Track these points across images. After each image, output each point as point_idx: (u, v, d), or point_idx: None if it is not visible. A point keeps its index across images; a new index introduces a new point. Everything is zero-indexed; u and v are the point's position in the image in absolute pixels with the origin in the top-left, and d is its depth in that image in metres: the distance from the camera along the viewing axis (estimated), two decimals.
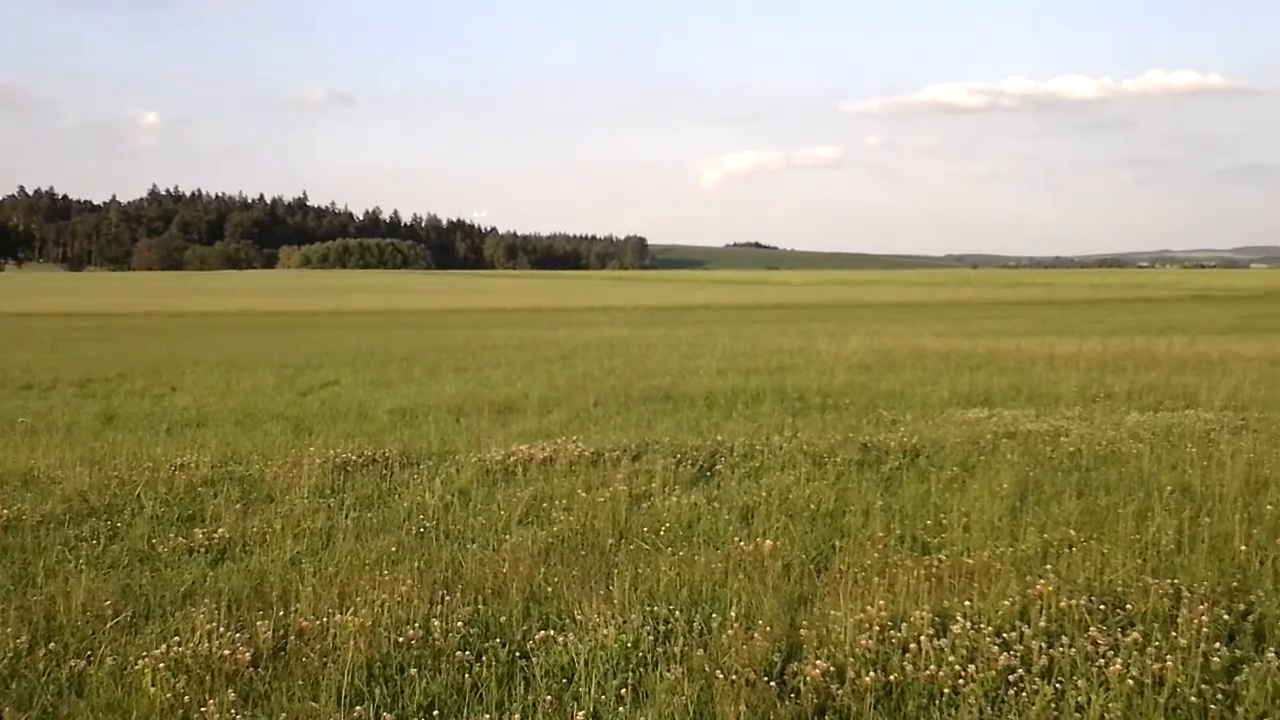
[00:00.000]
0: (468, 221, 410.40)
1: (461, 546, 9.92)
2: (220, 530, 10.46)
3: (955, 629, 7.27)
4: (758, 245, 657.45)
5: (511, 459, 13.53)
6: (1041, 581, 8.15)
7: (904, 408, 18.88)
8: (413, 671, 6.98)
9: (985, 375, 24.36)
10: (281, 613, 8.04)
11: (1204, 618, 7.39)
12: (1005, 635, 7.24)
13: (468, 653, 7.26)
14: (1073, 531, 9.81)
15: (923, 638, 7.13)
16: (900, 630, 7.34)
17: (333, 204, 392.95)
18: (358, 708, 6.47)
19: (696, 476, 12.79)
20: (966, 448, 14.13)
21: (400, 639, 7.45)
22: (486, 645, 7.37)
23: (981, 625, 7.38)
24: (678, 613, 7.86)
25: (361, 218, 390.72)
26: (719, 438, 15.03)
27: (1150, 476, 12.24)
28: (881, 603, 7.78)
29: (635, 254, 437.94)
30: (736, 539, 9.85)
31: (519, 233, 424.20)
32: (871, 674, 6.70)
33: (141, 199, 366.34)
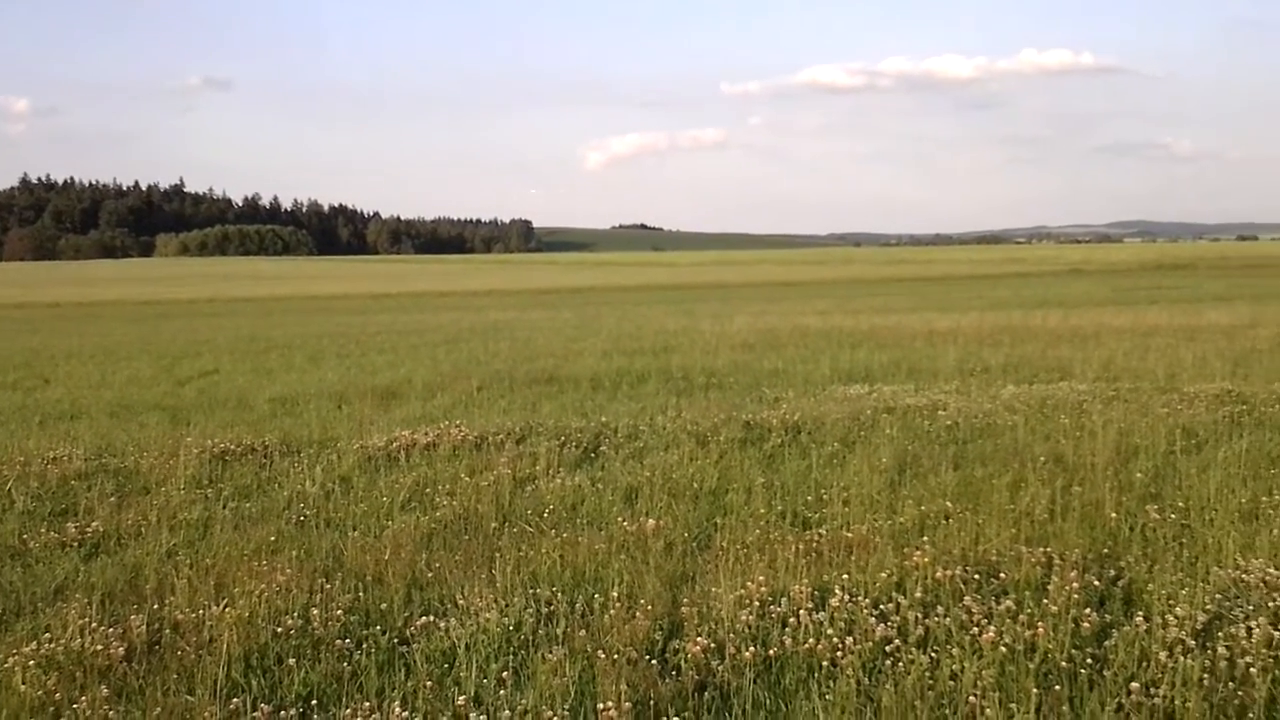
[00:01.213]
0: (350, 206, 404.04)
1: (342, 534, 9.82)
2: (94, 524, 10.23)
3: (834, 602, 7.36)
4: (643, 227, 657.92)
5: (394, 445, 13.41)
6: (918, 553, 8.29)
7: (787, 385, 19.06)
8: (291, 662, 6.89)
9: (866, 352, 24.66)
10: (156, 606, 7.89)
11: (1075, 584, 7.57)
12: (883, 607, 7.36)
13: (348, 641, 7.19)
14: (949, 503, 9.99)
15: (802, 611, 7.21)
16: (780, 605, 7.42)
17: (210, 190, 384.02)
18: (234, 700, 6.37)
19: (581, 458, 12.80)
20: (847, 424, 14.30)
21: (279, 629, 7.36)
22: (367, 633, 7.31)
23: (859, 598, 7.48)
24: (560, 594, 7.87)
25: (241, 204, 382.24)
26: (604, 419, 15.06)
27: (1025, 447, 12.50)
28: (762, 578, 7.86)
29: (521, 237, 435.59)
30: (620, 519, 9.88)
31: (403, 217, 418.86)
32: (751, 649, 6.75)
33: (12, 188, 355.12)
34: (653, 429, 14.21)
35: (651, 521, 9.65)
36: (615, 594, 7.72)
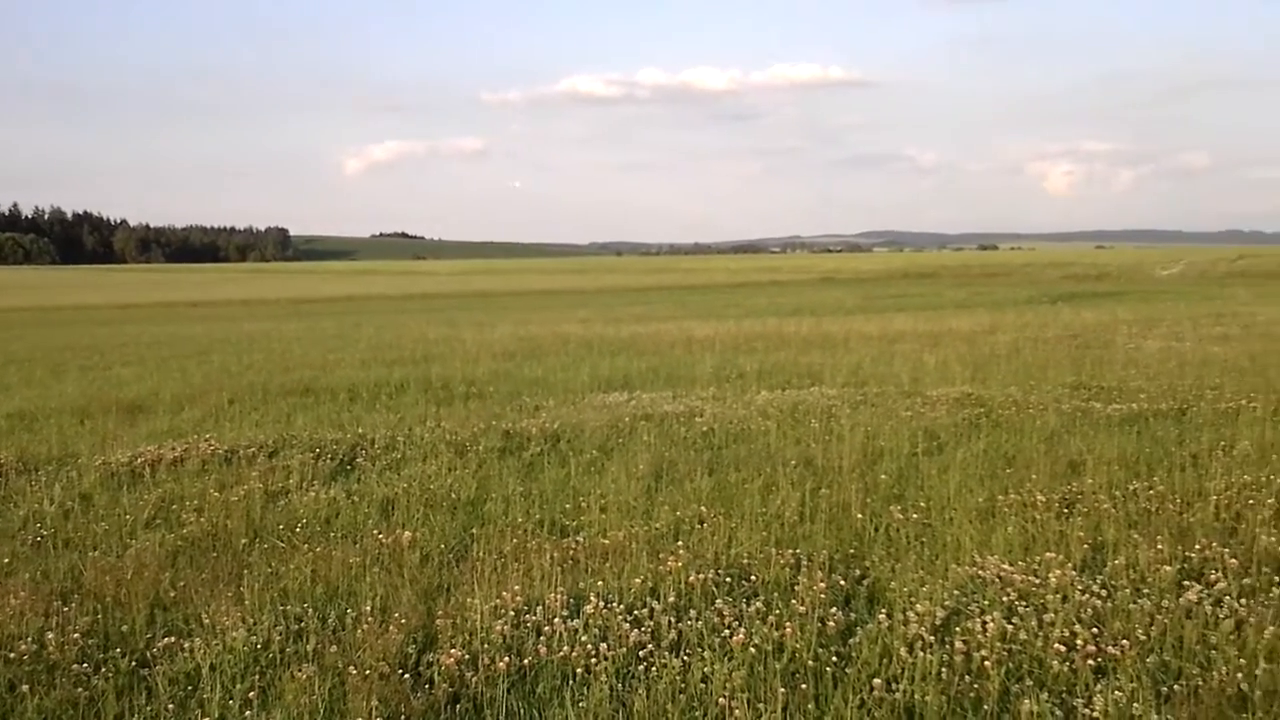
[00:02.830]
0: (95, 213, 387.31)
1: (82, 555, 9.38)
2: None
3: (589, 609, 7.39)
4: (404, 235, 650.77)
5: (139, 460, 12.90)
6: (673, 558, 8.39)
7: (547, 394, 19.06)
8: (24, 688, 6.55)
9: (626, 360, 24.87)
10: None
11: (822, 584, 7.78)
12: (637, 612, 7.42)
13: (85, 665, 6.88)
14: (704, 508, 10.14)
15: (557, 619, 7.23)
16: (535, 614, 7.41)
17: None
18: None
19: (336, 470, 12.56)
20: (606, 431, 14.39)
21: (11, 655, 7.00)
22: (106, 656, 7.02)
23: (614, 604, 7.53)
24: (312, 610, 7.70)
25: None
26: (360, 430, 14.80)
27: (777, 452, 12.78)
28: (518, 587, 7.84)
29: (277, 245, 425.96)
30: (375, 532, 9.73)
31: (152, 225, 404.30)
32: (506, 659, 6.73)
33: None
34: (411, 440, 14.03)
35: (407, 533, 9.54)
36: (369, 608, 7.60)
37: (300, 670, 6.65)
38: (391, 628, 7.26)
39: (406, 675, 6.66)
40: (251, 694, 6.43)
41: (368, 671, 6.59)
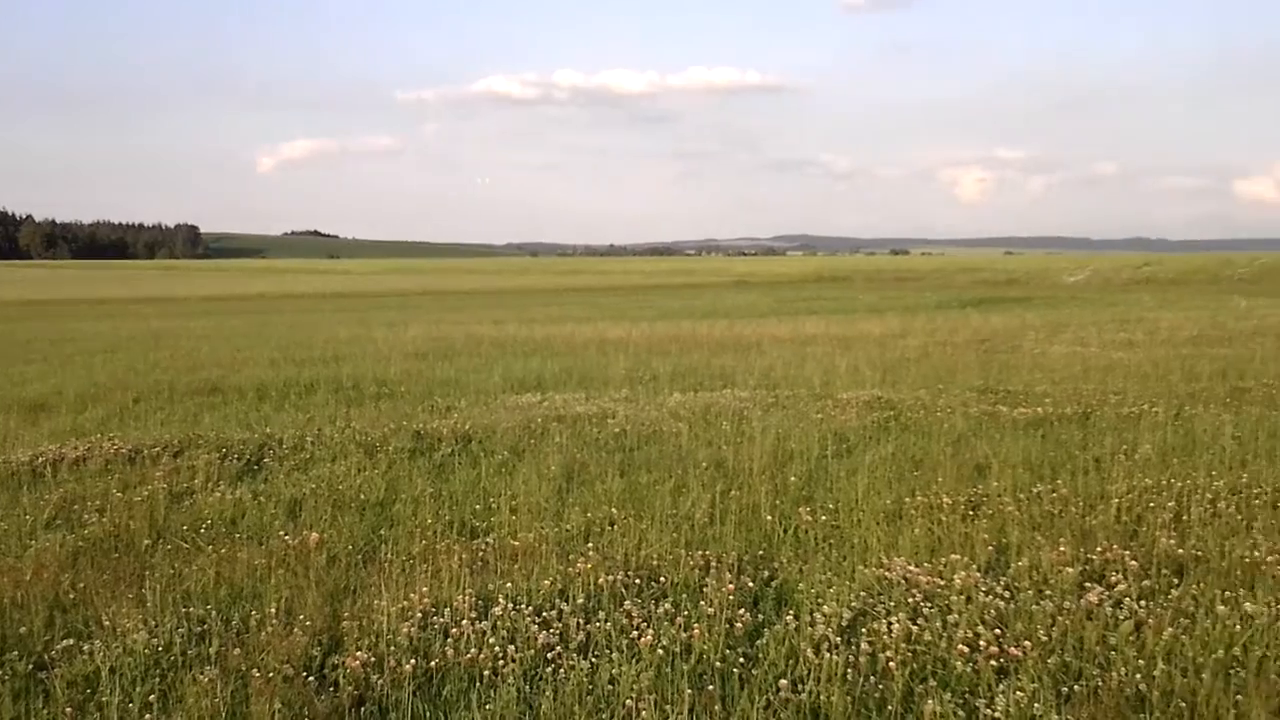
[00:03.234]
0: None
1: None
2: None
3: (497, 611, 7.37)
4: (317, 234, 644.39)
5: (40, 460, 12.65)
6: (582, 560, 8.39)
7: (459, 394, 18.96)
8: None
9: (539, 361, 24.81)
10: None
11: (730, 586, 7.82)
12: (546, 614, 7.40)
13: None
14: (615, 509, 10.14)
15: (465, 621, 7.19)
16: (443, 615, 7.37)
17: None
18: None
19: (242, 471, 12.40)
20: (518, 432, 14.34)
21: None
22: (3, 659, 6.88)
23: (523, 606, 7.52)
24: (215, 612, 7.59)
25: None
26: (268, 430, 14.62)
27: (688, 454, 12.81)
28: (425, 589, 7.80)
29: (187, 243, 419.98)
30: (282, 533, 9.62)
31: (59, 220, 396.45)
32: (412, 661, 6.68)
33: None
34: (320, 440, 13.89)
35: (315, 534, 9.44)
36: (273, 610, 7.51)
37: (202, 673, 6.55)
38: (296, 630, 7.19)
39: (311, 678, 6.59)
40: (152, 697, 6.33)
41: (271, 674, 6.51)
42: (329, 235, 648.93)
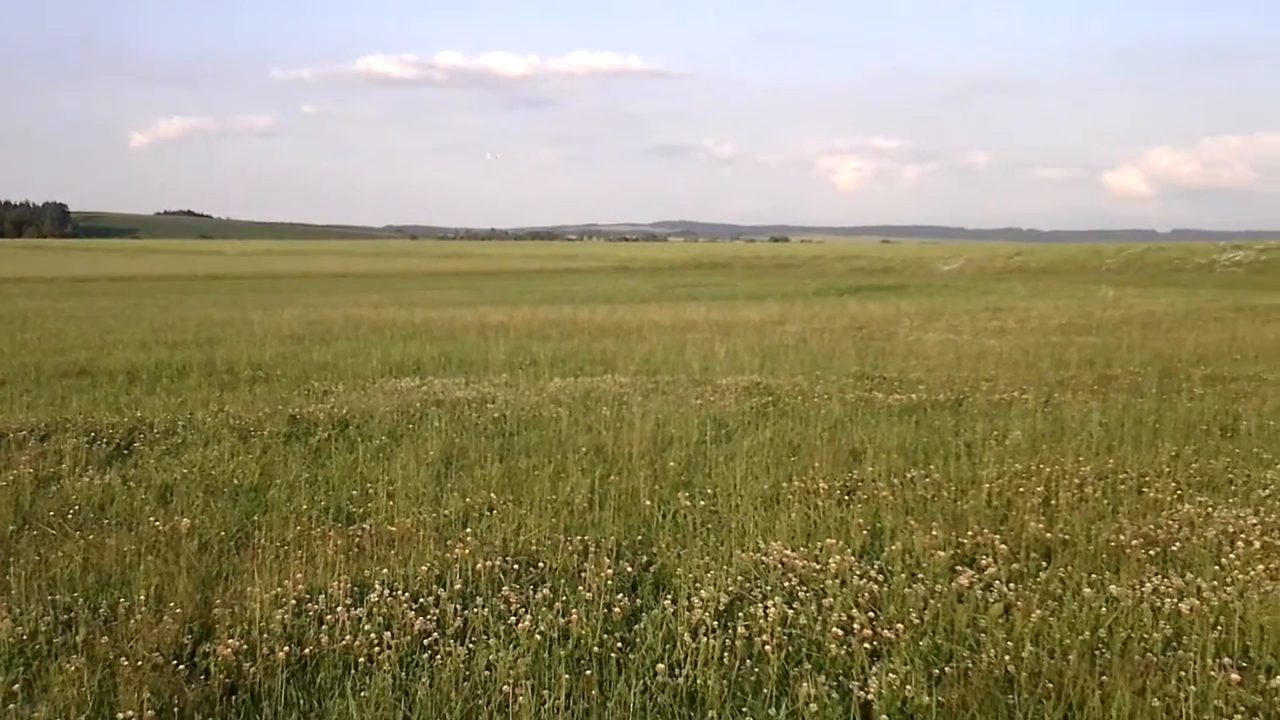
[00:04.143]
0: None
1: None
2: None
3: (373, 597, 7.30)
4: (191, 214, 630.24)
5: None
6: (460, 545, 8.35)
7: (336, 378, 18.75)
8: None
9: (418, 345, 24.61)
10: None
11: (609, 571, 7.84)
12: (422, 600, 7.36)
13: None
14: (493, 495, 10.11)
15: (340, 608, 7.11)
16: (318, 602, 7.28)
17: None
18: None
19: (112, 455, 12.12)
20: (396, 417, 14.23)
21: None
22: None
23: (400, 592, 7.46)
24: (82, 600, 7.43)
25: None
26: (139, 414, 14.31)
27: (568, 439, 12.81)
28: (300, 576, 7.69)
29: (55, 221, 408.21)
30: (152, 519, 9.42)
31: None
32: (286, 649, 6.58)
33: None
34: (192, 424, 13.63)
35: (186, 520, 9.27)
36: (143, 597, 7.35)
37: (69, 661, 6.39)
38: (166, 617, 7.05)
39: (181, 666, 6.47)
40: (16, 686, 6.16)
41: (140, 662, 6.37)
42: (203, 215, 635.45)
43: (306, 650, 6.67)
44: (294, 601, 7.27)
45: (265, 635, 6.81)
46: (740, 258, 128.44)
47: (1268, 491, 10.23)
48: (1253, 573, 7.83)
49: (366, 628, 6.87)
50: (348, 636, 6.78)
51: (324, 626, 6.95)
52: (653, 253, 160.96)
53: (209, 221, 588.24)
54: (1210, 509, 9.59)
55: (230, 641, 6.68)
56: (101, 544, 8.64)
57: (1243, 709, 5.92)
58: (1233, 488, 10.52)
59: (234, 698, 6.21)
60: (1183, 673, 6.27)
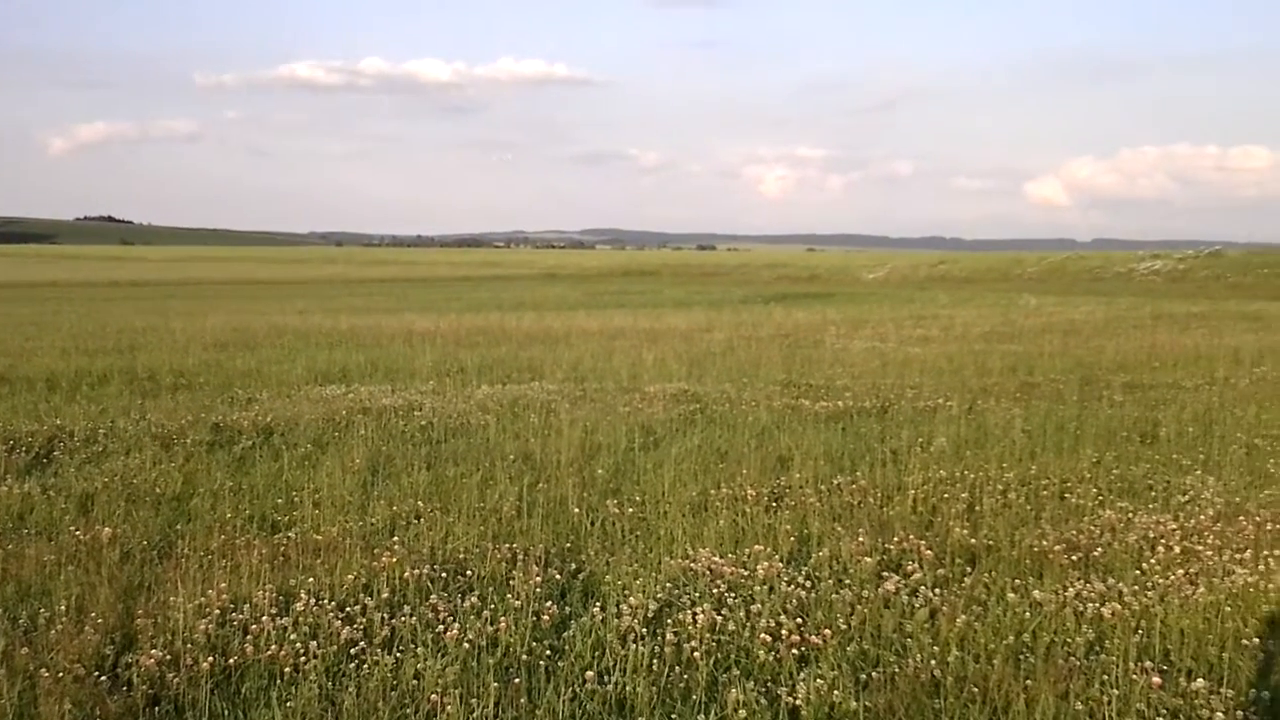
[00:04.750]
0: None
1: None
2: None
3: (299, 606, 7.23)
4: (111, 219, 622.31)
5: None
6: (387, 554, 8.30)
7: (261, 386, 18.57)
8: None
9: (344, 352, 24.43)
10: None
11: (538, 578, 7.82)
12: (349, 609, 7.30)
13: None
14: (421, 503, 10.07)
15: (265, 618, 7.04)
16: (243, 612, 7.20)
17: None
18: None
19: (31, 464, 11.92)
20: (322, 424, 14.12)
21: None
22: None
23: (326, 601, 7.40)
24: (1, 610, 7.32)
25: None
26: (59, 422, 14.09)
27: (496, 446, 12.78)
28: (224, 585, 7.61)
29: None
30: (73, 528, 9.27)
31: None
32: (210, 659, 6.51)
33: None
34: (113, 432, 13.44)
35: (108, 530, 9.13)
36: (63, 608, 7.24)
37: None
38: (88, 628, 6.94)
39: (103, 677, 6.37)
40: None
41: (61, 674, 6.27)
42: (125, 221, 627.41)
43: (231, 660, 6.59)
44: (218, 611, 7.18)
45: (189, 645, 6.72)
46: (668, 265, 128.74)
47: (1187, 497, 10.41)
48: (1173, 577, 7.97)
49: (292, 637, 6.81)
50: (273, 646, 6.71)
51: (249, 636, 6.87)
52: (580, 260, 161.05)
53: (130, 227, 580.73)
54: (1131, 514, 9.74)
55: (153, 652, 6.58)
56: (21, 554, 8.51)
57: (1164, 711, 6.01)
58: (1153, 493, 10.68)
59: (157, 709, 6.12)
60: (1105, 676, 6.37)
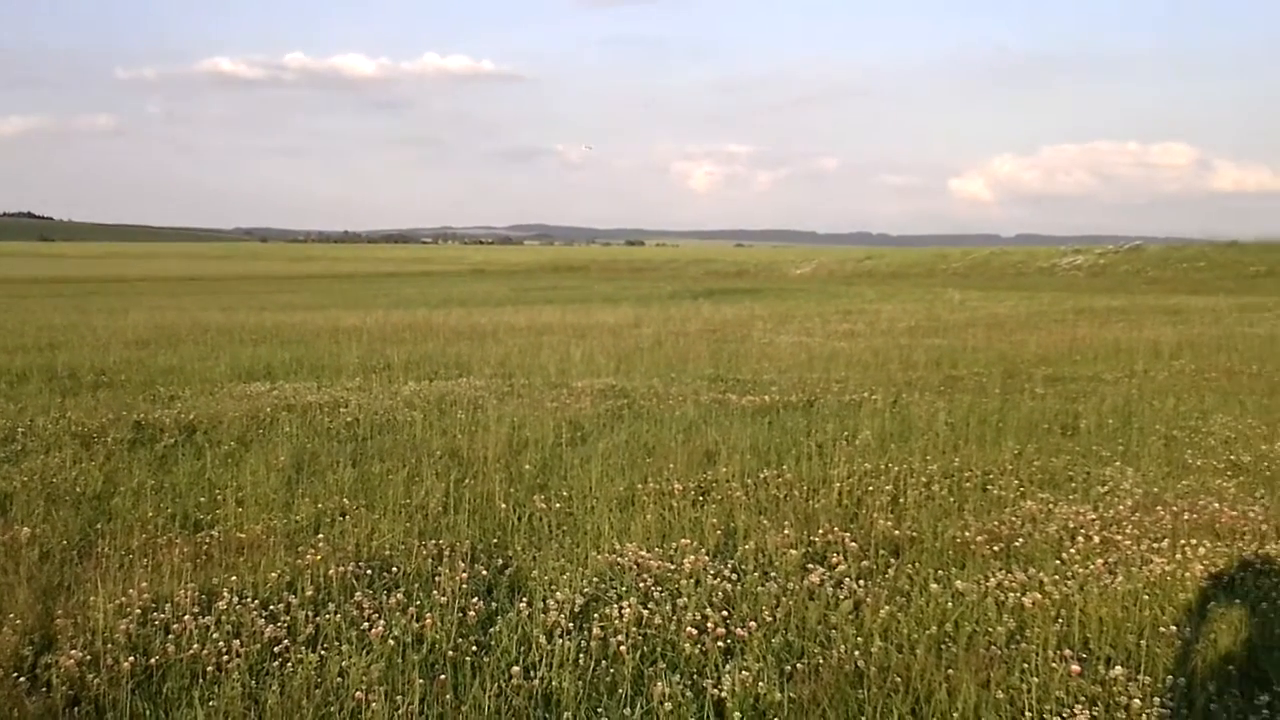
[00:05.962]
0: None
1: None
2: None
3: (221, 605, 7.16)
4: (31, 215, 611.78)
5: None
6: (312, 551, 8.24)
7: (183, 384, 18.33)
8: None
9: (269, 349, 24.19)
10: None
11: (464, 574, 7.80)
12: (272, 607, 7.23)
13: None
14: (346, 500, 10.00)
15: (187, 617, 6.96)
16: (164, 611, 7.12)
17: None
18: None
19: None
20: (245, 422, 13.97)
21: None
22: None
23: (249, 599, 7.32)
24: None
25: None
26: None
27: (422, 443, 12.72)
28: (145, 584, 7.51)
29: None
30: None
31: None
32: (131, 659, 6.43)
33: None
34: (32, 431, 13.24)
35: (26, 529, 8.99)
36: None
37: None
38: (6, 629, 6.83)
39: (22, 678, 6.27)
40: None
41: None
42: (45, 217, 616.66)
43: (152, 660, 6.51)
44: (139, 611, 7.09)
45: (109, 645, 6.63)
46: (596, 261, 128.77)
47: (1106, 488, 10.58)
48: (1092, 567, 8.09)
49: (215, 636, 6.74)
50: (195, 645, 6.63)
51: (170, 635, 6.79)
52: (508, 256, 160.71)
53: (50, 223, 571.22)
54: (1051, 505, 9.88)
55: (73, 652, 6.49)
56: None
57: (1083, 699, 6.10)
58: (1073, 484, 10.85)
59: (77, 709, 6.04)
60: (1025, 665, 6.45)
